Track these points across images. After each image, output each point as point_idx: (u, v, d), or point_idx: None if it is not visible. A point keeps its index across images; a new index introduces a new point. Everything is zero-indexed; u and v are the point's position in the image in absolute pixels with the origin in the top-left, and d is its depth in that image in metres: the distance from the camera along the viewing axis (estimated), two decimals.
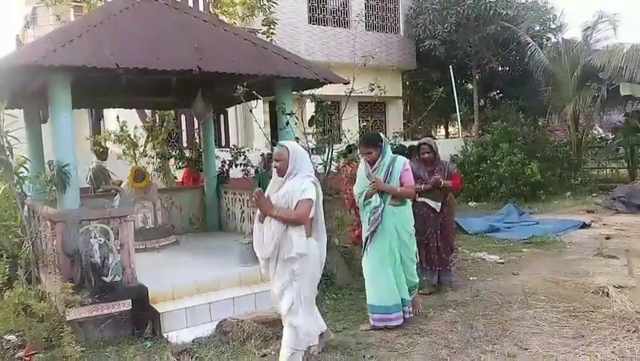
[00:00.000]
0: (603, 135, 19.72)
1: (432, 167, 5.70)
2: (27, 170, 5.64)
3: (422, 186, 5.55)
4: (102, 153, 8.95)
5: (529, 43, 16.06)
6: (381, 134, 5.10)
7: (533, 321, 4.67)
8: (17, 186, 5.50)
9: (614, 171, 17.70)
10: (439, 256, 5.76)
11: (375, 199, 4.66)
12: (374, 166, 4.70)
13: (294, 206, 3.54)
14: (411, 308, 4.83)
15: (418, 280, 4.99)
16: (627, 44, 14.15)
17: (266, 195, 3.68)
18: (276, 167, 3.73)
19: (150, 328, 4.68)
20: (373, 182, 4.62)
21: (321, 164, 6.63)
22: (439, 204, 5.66)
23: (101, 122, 13.99)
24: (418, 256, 5.14)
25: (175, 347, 4.39)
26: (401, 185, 4.62)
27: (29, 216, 5.81)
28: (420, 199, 5.61)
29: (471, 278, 6.23)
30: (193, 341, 4.51)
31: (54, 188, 5.14)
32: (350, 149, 6.97)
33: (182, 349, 4.33)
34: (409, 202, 4.87)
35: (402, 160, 4.73)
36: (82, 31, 5.24)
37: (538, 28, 18.14)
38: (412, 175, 4.75)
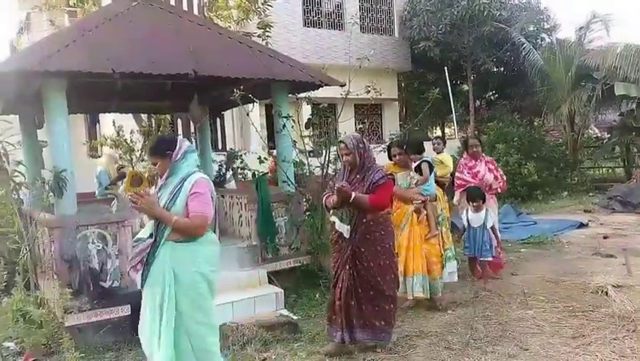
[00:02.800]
0: (599, 135, 19.78)
1: (356, 174, 4.14)
2: (24, 176, 5.61)
3: (324, 197, 4.21)
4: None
5: (524, 43, 16.10)
6: (179, 137, 3.66)
7: (533, 321, 4.67)
8: (14, 192, 5.47)
9: (610, 171, 17.76)
10: (353, 309, 4.05)
11: (145, 230, 3.41)
12: (160, 183, 3.45)
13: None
14: None
15: None
16: (621, 44, 14.20)
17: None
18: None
19: None
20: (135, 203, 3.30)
21: (318, 167, 6.63)
22: (348, 227, 4.04)
23: (97, 126, 13.96)
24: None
25: None
26: (187, 215, 3.25)
27: (26, 222, 5.78)
28: (331, 218, 4.28)
29: (470, 279, 6.22)
30: None
31: (51, 194, 5.12)
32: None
33: None
34: (209, 239, 3.39)
35: (195, 178, 3.30)
36: (77, 37, 5.23)
37: (532, 28, 18.19)
38: (205, 201, 3.28)
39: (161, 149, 3.39)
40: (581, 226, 9.48)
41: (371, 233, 4.03)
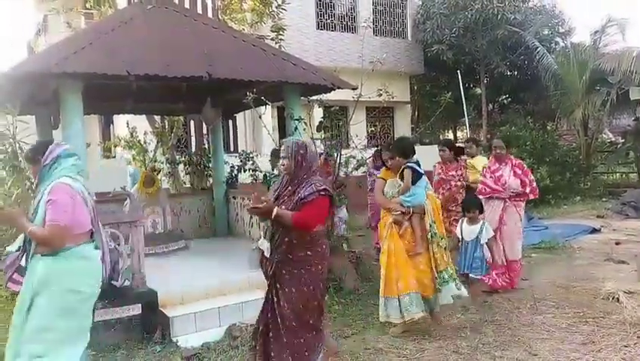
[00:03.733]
0: (613, 139, 19.58)
1: (289, 185, 3.49)
2: None
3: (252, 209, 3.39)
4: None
5: (538, 47, 16.02)
6: (54, 142, 3.32)
7: (543, 327, 4.66)
8: (29, 192, 5.56)
9: (623, 176, 17.58)
10: (271, 340, 3.43)
11: (15, 242, 3.26)
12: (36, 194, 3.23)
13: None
14: None
15: None
16: (637, 48, 14.09)
17: None
18: None
19: (160, 332, 4.71)
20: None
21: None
22: (268, 245, 3.43)
23: (111, 127, 14.11)
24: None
25: (184, 351, 4.42)
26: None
27: None
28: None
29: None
30: (202, 345, 4.54)
31: None
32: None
33: (191, 353, 4.37)
34: (79, 254, 3.14)
35: (53, 185, 3.07)
36: (93, 39, 5.31)
37: (546, 32, 18.09)
38: (59, 208, 3.00)
39: (32, 155, 3.27)
40: (594, 231, 9.40)
41: (294, 253, 3.37)
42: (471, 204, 5.52)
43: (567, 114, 16.30)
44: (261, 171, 7.40)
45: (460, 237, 5.46)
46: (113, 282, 4.73)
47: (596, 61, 14.83)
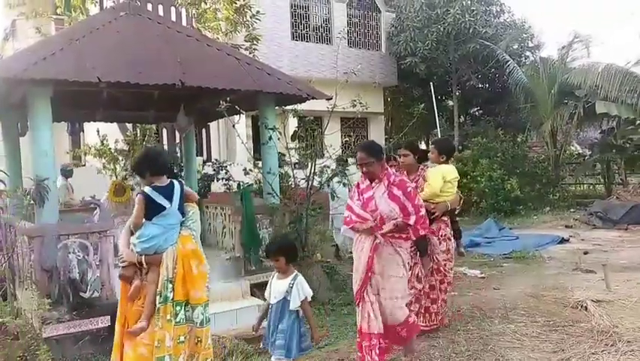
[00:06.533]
0: (580, 152, 20.12)
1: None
2: (4, 184, 5.55)
3: None
4: None
5: (508, 61, 16.37)
6: None
7: (514, 335, 4.70)
8: None
9: (591, 187, 18.06)
10: None
11: None
12: None
13: None
14: None
15: None
16: (601, 63, 14.51)
17: None
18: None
19: None
20: None
21: (303, 179, 6.65)
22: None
23: (81, 135, 13.84)
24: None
25: None
26: None
27: (6, 231, 5.70)
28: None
29: (452, 293, 6.25)
30: None
31: (31, 202, 5.06)
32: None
33: None
34: None
35: None
36: (64, 45, 5.22)
37: (516, 46, 18.50)
38: None
39: None
40: (562, 241, 9.59)
41: None
42: (269, 250, 3.84)
43: (537, 126, 16.68)
44: (234, 181, 7.36)
45: (267, 296, 3.79)
46: (81, 293, 4.63)
47: (564, 75, 15.24)
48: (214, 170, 9.24)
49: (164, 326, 3.24)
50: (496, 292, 6.23)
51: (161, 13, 7.64)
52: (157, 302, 3.25)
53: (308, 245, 6.22)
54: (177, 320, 3.29)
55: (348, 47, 17.01)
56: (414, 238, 4.05)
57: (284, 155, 6.63)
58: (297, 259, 3.80)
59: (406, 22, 17.29)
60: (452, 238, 5.06)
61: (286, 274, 3.65)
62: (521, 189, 13.56)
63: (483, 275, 7.15)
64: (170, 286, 3.27)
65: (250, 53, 8.88)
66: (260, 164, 6.57)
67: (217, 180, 9.15)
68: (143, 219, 3.34)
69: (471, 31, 16.26)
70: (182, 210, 3.40)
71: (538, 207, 14.11)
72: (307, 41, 16.73)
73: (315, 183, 6.55)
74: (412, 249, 4.37)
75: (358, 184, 4.15)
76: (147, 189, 3.35)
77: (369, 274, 3.90)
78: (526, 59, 18.56)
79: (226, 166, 8.84)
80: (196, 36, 6.89)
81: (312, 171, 6.51)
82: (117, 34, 5.83)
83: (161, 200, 3.32)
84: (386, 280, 3.93)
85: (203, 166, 11.02)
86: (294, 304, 3.56)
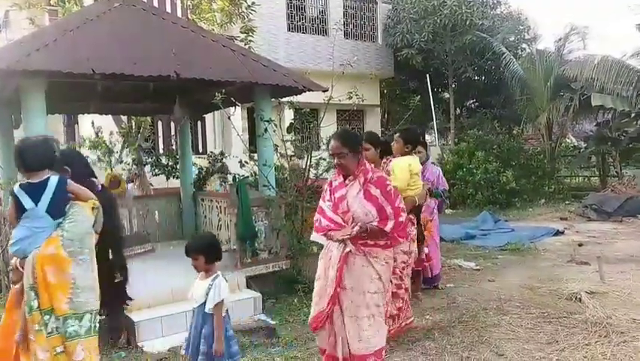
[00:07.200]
0: (576, 144, 20.19)
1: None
2: None
3: None
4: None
5: (504, 53, 16.37)
6: None
7: (509, 327, 4.73)
8: None
9: (586, 180, 18.14)
10: None
11: None
12: None
13: None
14: None
15: None
16: (597, 56, 14.53)
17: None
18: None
19: (125, 337, 4.61)
20: None
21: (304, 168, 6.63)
22: None
23: (76, 127, 13.78)
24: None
25: (150, 356, 4.33)
26: None
27: (0, 223, 5.68)
28: None
29: (448, 285, 6.28)
30: (169, 350, 4.45)
31: None
32: None
33: (157, 358, 4.29)
34: None
35: None
36: (57, 36, 5.17)
37: (513, 38, 18.51)
38: None
39: None
40: (557, 233, 9.64)
41: None
42: (188, 245, 3.52)
43: (532, 119, 16.72)
44: (230, 173, 7.37)
45: (190, 297, 3.49)
46: None
47: (560, 67, 15.26)
48: (209, 162, 9.25)
49: (36, 337, 2.96)
50: (491, 284, 6.26)
51: (155, 4, 7.62)
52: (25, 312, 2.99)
53: (304, 238, 6.22)
54: (48, 330, 2.98)
55: (344, 39, 16.97)
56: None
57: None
58: (219, 258, 3.40)
59: (403, 14, 17.25)
60: (416, 240, 4.71)
61: (207, 275, 3.35)
62: (517, 181, 13.60)
63: (478, 267, 7.18)
64: (33, 293, 2.96)
65: (246, 45, 8.84)
66: (255, 156, 6.55)
67: (213, 173, 9.16)
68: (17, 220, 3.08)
69: (467, 23, 16.24)
70: (58, 211, 3.06)
71: (533, 199, 14.17)
72: (303, 33, 16.68)
73: (311, 175, 6.54)
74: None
75: (331, 182, 3.62)
76: (15, 187, 3.08)
77: (338, 289, 3.36)
78: (522, 51, 18.57)
79: (222, 158, 8.84)
80: (191, 27, 6.85)
81: (309, 163, 6.49)
82: (112, 25, 5.78)
83: (25, 200, 3.01)
84: (358, 296, 3.36)
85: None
86: (209, 306, 3.24)
